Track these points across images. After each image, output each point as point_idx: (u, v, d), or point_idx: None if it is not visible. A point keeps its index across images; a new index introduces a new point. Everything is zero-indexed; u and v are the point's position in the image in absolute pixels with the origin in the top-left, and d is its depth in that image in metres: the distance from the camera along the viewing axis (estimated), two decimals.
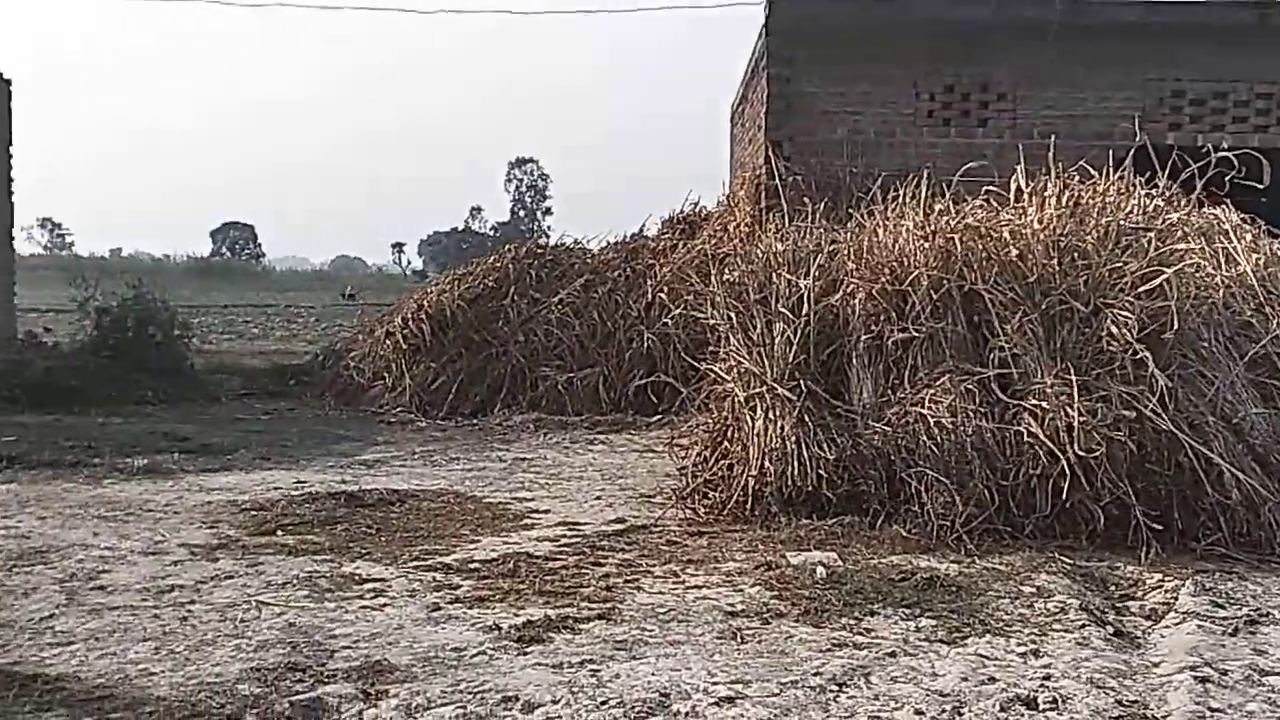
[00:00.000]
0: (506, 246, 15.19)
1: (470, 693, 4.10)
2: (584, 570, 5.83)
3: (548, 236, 15.77)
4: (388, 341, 13.95)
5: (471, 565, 5.93)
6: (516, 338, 13.58)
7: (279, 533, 6.72)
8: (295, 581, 5.61)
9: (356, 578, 5.69)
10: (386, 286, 49.39)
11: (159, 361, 13.89)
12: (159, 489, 8.14)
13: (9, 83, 19.12)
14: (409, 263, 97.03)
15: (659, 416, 12.06)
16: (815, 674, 4.29)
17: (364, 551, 6.26)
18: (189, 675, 4.29)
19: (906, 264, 7.56)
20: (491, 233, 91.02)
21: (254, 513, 7.30)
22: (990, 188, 8.46)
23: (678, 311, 12.99)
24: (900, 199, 8.43)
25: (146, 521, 7.05)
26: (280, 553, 6.23)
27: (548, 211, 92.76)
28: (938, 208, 8.10)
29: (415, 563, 6.00)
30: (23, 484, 8.27)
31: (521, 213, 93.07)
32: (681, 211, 15.58)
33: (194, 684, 4.19)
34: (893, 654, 4.55)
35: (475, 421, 12.53)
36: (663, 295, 13.39)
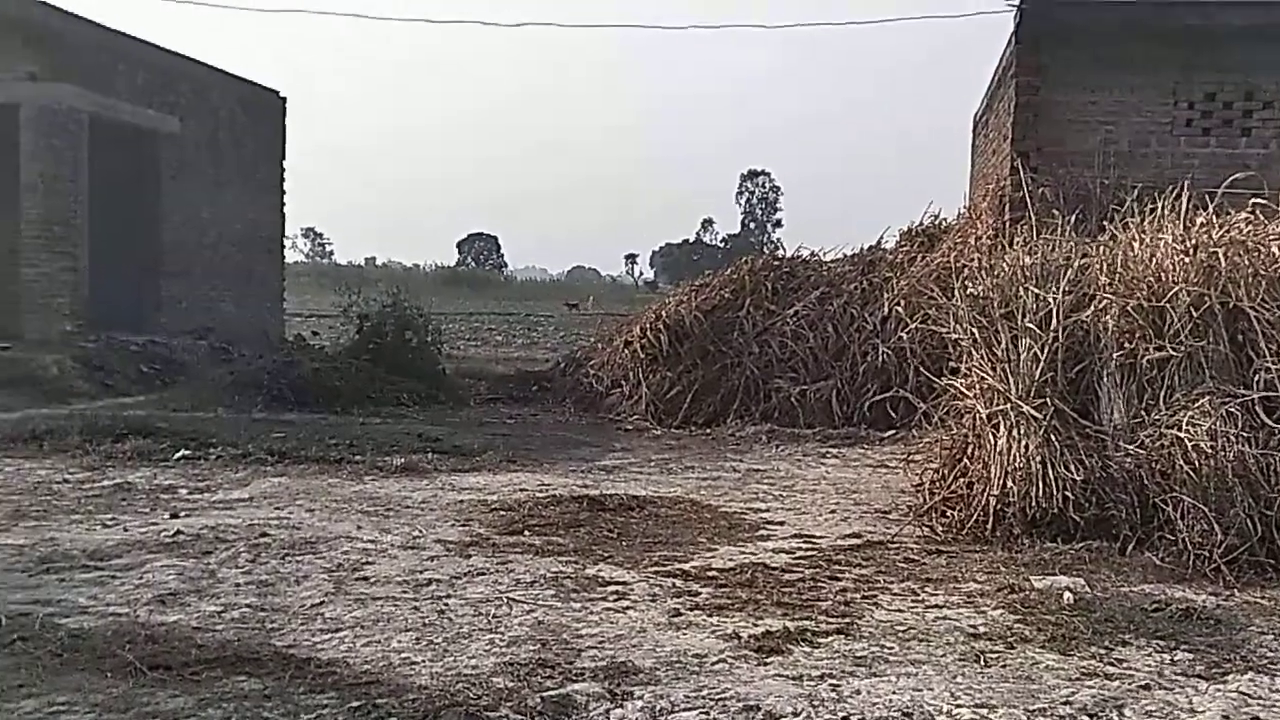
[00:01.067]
0: (743, 259, 15.30)
1: (712, 699, 4.18)
2: (821, 584, 5.85)
3: (784, 249, 15.70)
4: (626, 351, 14.28)
5: (710, 573, 6.03)
6: (751, 349, 13.68)
7: (526, 533, 7.00)
8: (542, 581, 5.84)
9: (600, 580, 5.88)
10: (619, 297, 50.40)
11: (414, 366, 14.66)
12: (415, 487, 8.61)
13: (284, 100, 20.63)
14: (641, 274, 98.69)
15: (893, 431, 11.95)
16: (1064, 703, 4.19)
17: (606, 555, 6.46)
18: (447, 666, 4.53)
19: (1165, 279, 7.24)
20: (721, 245, 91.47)
21: (502, 513, 7.62)
22: (1256, 200, 8.01)
23: (915, 325, 12.83)
24: (1157, 211, 8.08)
25: (405, 517, 7.46)
26: (528, 552, 6.49)
27: (778, 224, 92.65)
28: (1199, 220, 7.73)
29: (655, 568, 6.15)
30: (292, 478, 8.89)
31: (752, 225, 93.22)
32: (920, 224, 15.34)
33: (452, 675, 4.42)
34: (1147, 687, 4.38)
35: (709, 431, 12.70)
36: (900, 308, 13.22)
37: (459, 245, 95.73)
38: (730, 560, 6.34)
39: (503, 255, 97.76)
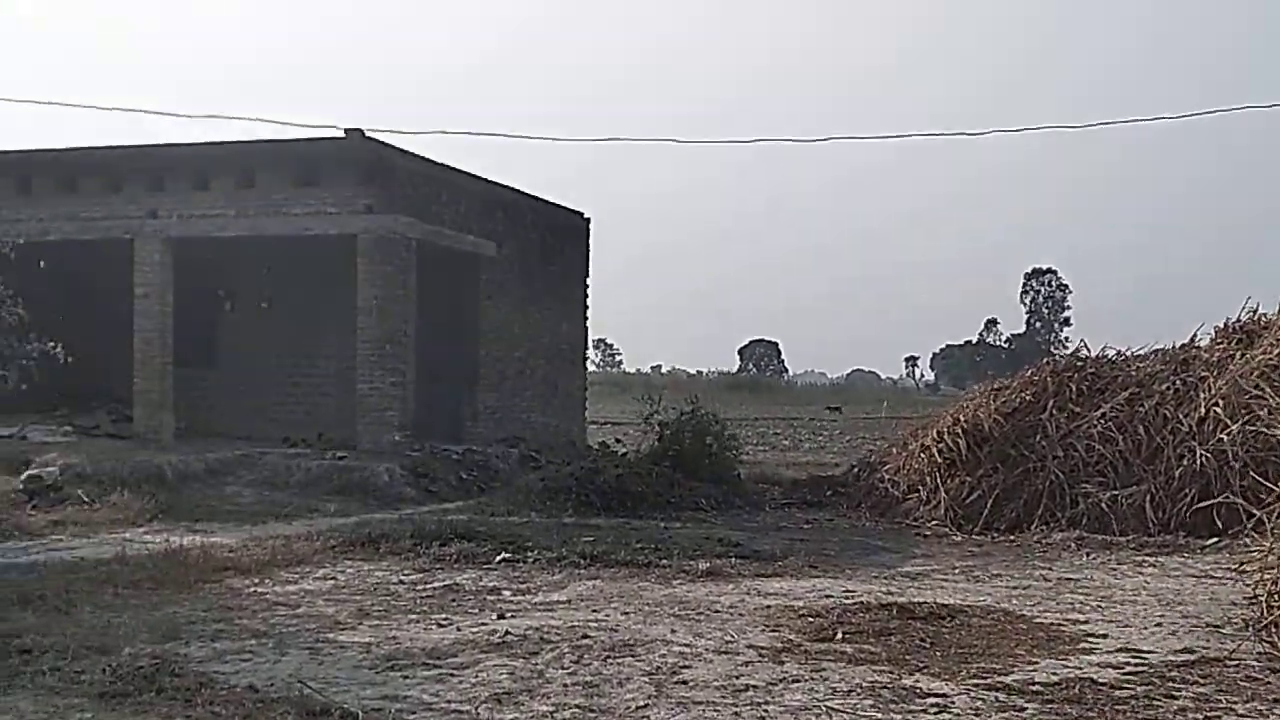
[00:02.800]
0: (1045, 360, 14.93)
1: None
2: (1156, 702, 5.60)
3: (1087, 348, 15.09)
4: (922, 455, 14.12)
5: (1033, 687, 5.88)
6: (1055, 453, 13.25)
7: (837, 639, 7.02)
8: (859, 690, 5.85)
9: (918, 691, 5.84)
10: (901, 400, 49.67)
11: (711, 471, 15.01)
12: (721, 591, 8.79)
13: (588, 220, 21.83)
14: (922, 376, 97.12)
15: (1216, 539, 11.28)
16: None
17: (921, 665, 6.40)
18: None
19: None
20: (1006, 345, 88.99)
21: (810, 619, 7.67)
22: None
23: (1237, 426, 12.12)
24: None
25: (715, 622, 7.63)
26: (840, 660, 6.51)
27: (1066, 322, 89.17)
28: None
29: (974, 680, 6.04)
30: (605, 580, 9.24)
31: (1038, 324, 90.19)
32: (1237, 320, 14.51)
33: None
34: None
35: (1012, 537, 12.35)
36: (1219, 409, 12.55)
37: (740, 352, 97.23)
38: (1053, 674, 6.16)
39: (783, 360, 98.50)
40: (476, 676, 6.15)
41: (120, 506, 12.35)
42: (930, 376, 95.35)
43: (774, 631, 7.31)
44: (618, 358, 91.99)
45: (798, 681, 6.04)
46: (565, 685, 5.98)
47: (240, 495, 13.74)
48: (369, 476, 14.45)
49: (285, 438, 16.59)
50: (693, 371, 75.45)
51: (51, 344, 11.75)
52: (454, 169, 17.53)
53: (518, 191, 19.54)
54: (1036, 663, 6.48)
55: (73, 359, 11.95)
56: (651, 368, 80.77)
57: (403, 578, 9.22)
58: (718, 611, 7.98)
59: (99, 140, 17.38)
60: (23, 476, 13.23)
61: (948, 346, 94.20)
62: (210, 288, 18.41)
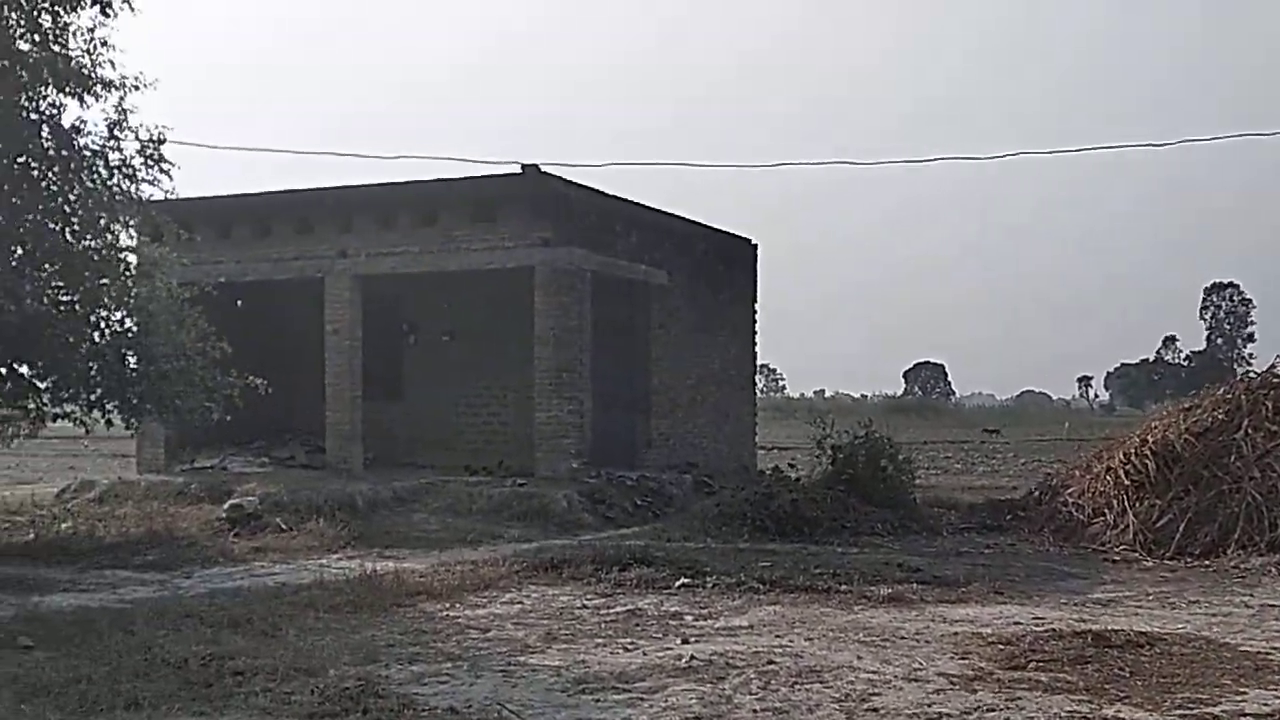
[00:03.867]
0: (1237, 377, 14.34)
1: None
2: None
3: None
4: (1107, 477, 13.68)
5: (1243, 718, 5.69)
6: (1251, 474, 12.68)
7: (1030, 668, 6.88)
8: None
9: None
10: (1075, 422, 48.04)
11: (885, 495, 14.82)
12: (905, 618, 8.70)
13: (755, 246, 21.90)
14: (1096, 396, 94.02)
15: None
16: None
17: (1122, 694, 6.23)
18: None
19: None
20: (1185, 363, 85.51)
21: (1000, 646, 7.53)
22: None
23: None
24: None
25: (901, 648, 7.56)
26: (1035, 689, 6.38)
27: (1250, 338, 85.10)
28: None
29: (1179, 711, 5.87)
30: (785, 606, 9.24)
31: (1219, 341, 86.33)
32: None
33: None
34: None
35: (1207, 562, 11.86)
36: None
37: (905, 375, 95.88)
38: (1264, 705, 5.95)
39: (949, 382, 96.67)
40: (666, 701, 6.24)
41: (316, 533, 12.92)
42: (1104, 397, 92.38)
43: (963, 659, 7.21)
44: (781, 383, 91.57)
45: (993, 710, 5.96)
46: (755, 711, 6.03)
47: (427, 522, 14.19)
48: (548, 503, 14.74)
49: (467, 466, 17.05)
50: (857, 395, 74.72)
51: (252, 378, 12.44)
52: (625, 200, 17.80)
53: (687, 220, 19.75)
54: (1244, 693, 6.25)
55: (269, 392, 12.61)
56: (815, 392, 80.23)
57: (586, 602, 9.40)
58: (903, 638, 7.92)
59: (288, 184, 18.18)
60: (225, 505, 13.93)
61: (1123, 365, 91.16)
62: (395, 322, 19.08)
